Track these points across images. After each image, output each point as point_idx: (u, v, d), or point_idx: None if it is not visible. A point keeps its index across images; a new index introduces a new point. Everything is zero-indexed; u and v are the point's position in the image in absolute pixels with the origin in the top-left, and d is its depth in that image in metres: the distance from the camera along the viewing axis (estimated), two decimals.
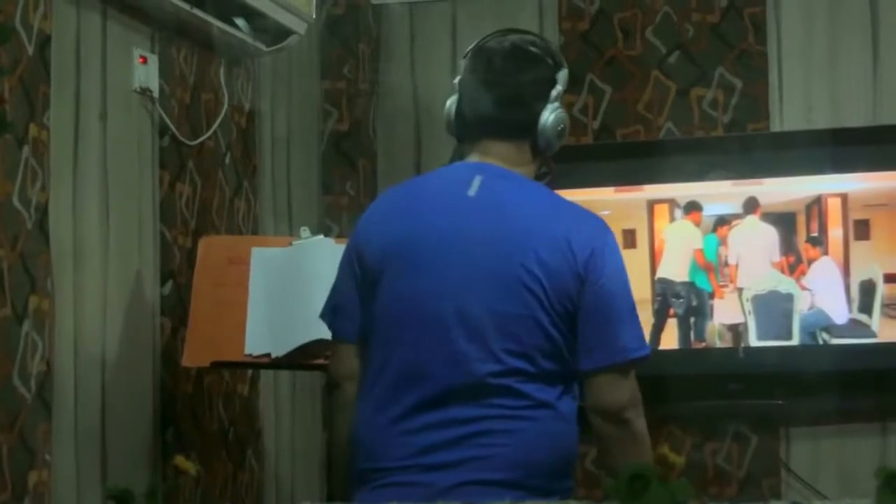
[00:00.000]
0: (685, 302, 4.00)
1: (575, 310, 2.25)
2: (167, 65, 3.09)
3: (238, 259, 2.94)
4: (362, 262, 2.33)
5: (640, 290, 4.02)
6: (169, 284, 3.08)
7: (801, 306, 3.94)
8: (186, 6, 2.98)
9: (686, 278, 4.01)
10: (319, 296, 2.47)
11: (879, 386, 3.89)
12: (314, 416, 3.89)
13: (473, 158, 2.35)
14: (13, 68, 2.45)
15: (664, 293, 4.01)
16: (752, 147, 4.02)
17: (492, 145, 2.33)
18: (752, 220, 3.98)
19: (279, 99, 3.77)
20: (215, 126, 3.31)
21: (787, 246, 3.97)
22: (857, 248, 3.91)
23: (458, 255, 2.25)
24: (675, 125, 4.15)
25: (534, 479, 2.22)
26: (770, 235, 3.97)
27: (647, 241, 4.04)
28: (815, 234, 3.95)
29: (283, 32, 3.40)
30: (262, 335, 2.86)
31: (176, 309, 3.08)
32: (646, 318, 4.01)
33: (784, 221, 3.97)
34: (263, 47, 3.39)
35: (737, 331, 3.99)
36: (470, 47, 2.41)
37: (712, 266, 4.01)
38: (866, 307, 3.89)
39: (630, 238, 4.05)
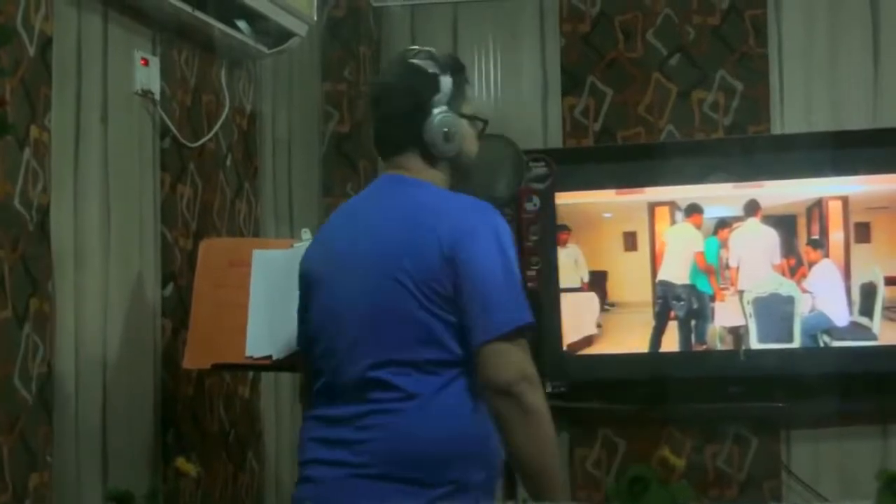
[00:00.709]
0: (686, 304, 4.00)
1: (452, 293, 2.31)
2: (168, 67, 3.09)
3: (239, 261, 2.94)
4: (301, 286, 2.55)
5: (641, 293, 4.04)
6: (170, 286, 3.08)
7: (802, 309, 3.94)
8: (188, 8, 2.98)
9: (687, 281, 4.01)
10: None
11: (880, 388, 3.90)
12: None
13: (383, 171, 2.55)
14: (14, 70, 2.45)
15: (665, 296, 4.01)
16: (753, 149, 4.02)
17: (395, 158, 2.50)
18: (753, 222, 3.98)
19: (280, 101, 3.77)
20: (216, 128, 3.31)
21: (788, 248, 3.97)
22: (858, 250, 3.91)
23: (353, 265, 2.41)
24: (676, 127, 4.15)
25: (409, 472, 2.30)
26: (771, 238, 3.97)
27: (647, 243, 4.04)
28: (816, 237, 3.95)
29: (284, 34, 3.40)
30: (263, 337, 2.86)
31: (177, 311, 3.08)
32: (647, 321, 4.04)
33: (785, 224, 3.98)
34: (264, 49, 3.39)
35: (738, 333, 3.98)
36: None
37: (713, 269, 4.01)
38: (867, 310, 3.90)
39: (631, 241, 4.05)
